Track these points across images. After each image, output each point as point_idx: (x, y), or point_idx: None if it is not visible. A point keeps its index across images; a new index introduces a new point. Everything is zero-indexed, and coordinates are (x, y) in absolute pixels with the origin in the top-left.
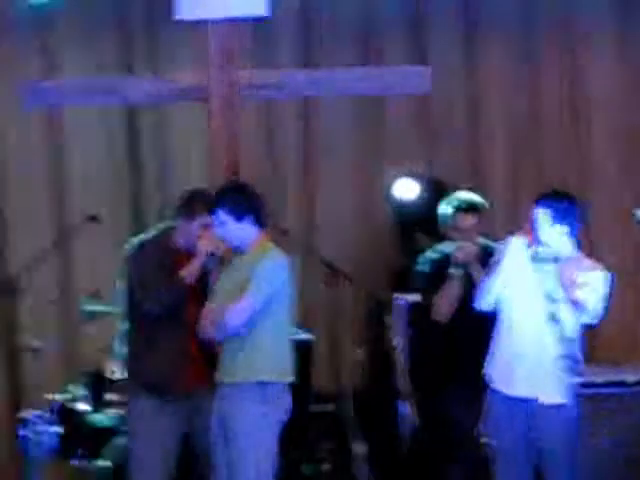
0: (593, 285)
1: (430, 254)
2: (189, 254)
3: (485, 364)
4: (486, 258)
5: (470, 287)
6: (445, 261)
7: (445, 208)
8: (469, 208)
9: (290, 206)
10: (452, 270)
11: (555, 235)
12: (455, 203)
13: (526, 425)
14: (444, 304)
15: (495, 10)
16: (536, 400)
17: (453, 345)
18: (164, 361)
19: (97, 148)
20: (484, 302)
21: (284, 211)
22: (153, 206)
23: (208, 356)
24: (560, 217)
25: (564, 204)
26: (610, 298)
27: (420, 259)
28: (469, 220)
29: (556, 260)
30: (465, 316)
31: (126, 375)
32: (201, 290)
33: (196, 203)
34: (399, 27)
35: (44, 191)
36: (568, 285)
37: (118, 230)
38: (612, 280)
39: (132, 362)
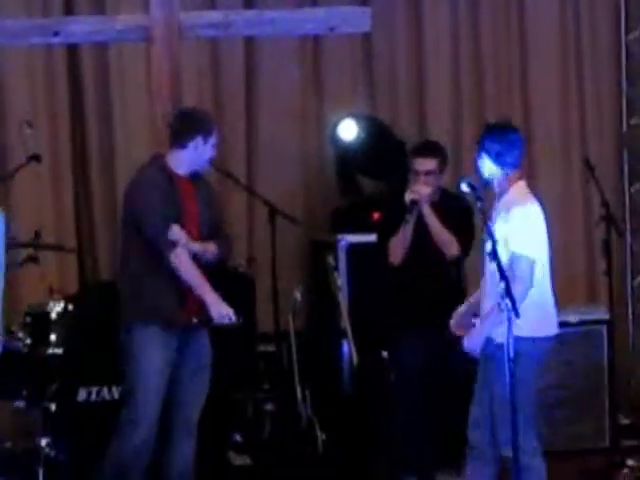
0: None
1: None
2: (191, 179)
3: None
4: (454, 205)
5: (423, 231)
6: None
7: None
8: (424, 150)
9: (233, 147)
10: (406, 214)
11: (493, 170)
12: (411, 147)
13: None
14: (396, 247)
15: None
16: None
17: (401, 288)
18: (169, 289)
19: (38, 88)
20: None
21: (228, 152)
22: (95, 145)
23: None
24: (502, 151)
25: (503, 133)
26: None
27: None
28: (424, 164)
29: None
30: (416, 260)
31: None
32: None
33: (206, 122)
34: None
35: None
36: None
37: (59, 169)
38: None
39: (133, 285)
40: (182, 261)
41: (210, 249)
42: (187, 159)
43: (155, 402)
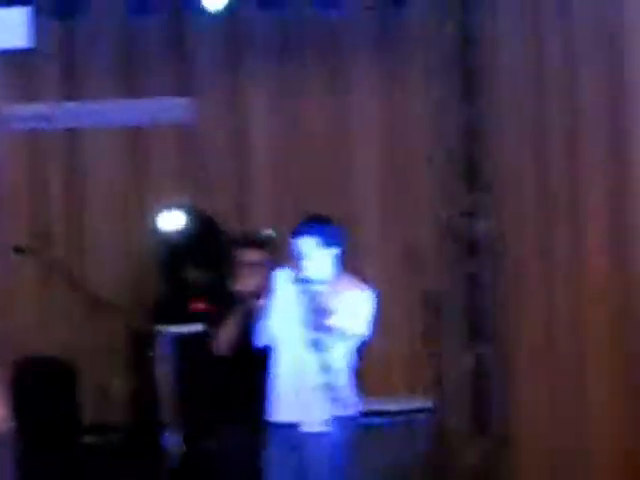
0: (352, 308)
1: None
2: None
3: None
4: None
5: (250, 322)
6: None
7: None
8: (248, 244)
9: (57, 236)
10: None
11: (321, 259)
12: (236, 238)
13: (295, 449)
14: (222, 337)
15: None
16: (302, 426)
17: (228, 379)
18: None
19: None
20: (259, 339)
21: (51, 240)
22: None
23: None
24: (324, 240)
25: (326, 228)
26: (375, 317)
27: None
28: (250, 255)
29: (315, 284)
30: (244, 351)
31: None
32: None
33: None
34: (163, 60)
35: None
36: (325, 312)
37: None
38: (377, 298)
39: None
40: None
41: None
42: None
43: None
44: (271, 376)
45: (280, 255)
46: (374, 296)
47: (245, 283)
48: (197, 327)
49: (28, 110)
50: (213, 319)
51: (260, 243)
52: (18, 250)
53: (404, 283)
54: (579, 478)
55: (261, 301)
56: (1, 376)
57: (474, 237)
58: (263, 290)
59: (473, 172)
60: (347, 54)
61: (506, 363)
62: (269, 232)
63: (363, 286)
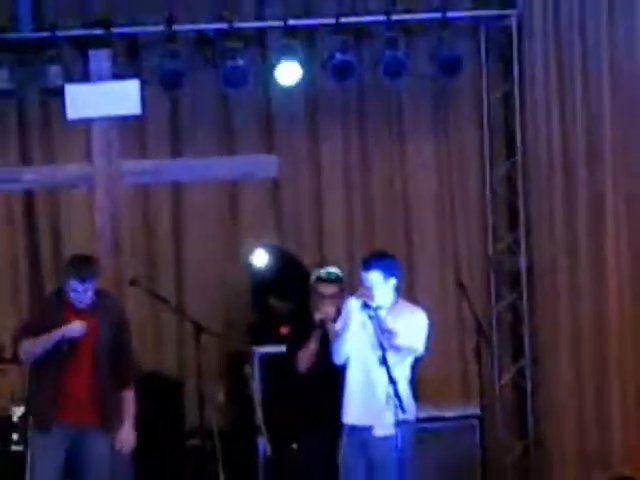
0: (413, 329)
1: None
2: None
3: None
4: None
5: (327, 344)
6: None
7: (312, 279)
8: (327, 279)
9: (165, 273)
10: (314, 330)
11: (385, 290)
12: (316, 275)
13: (366, 449)
14: (304, 357)
15: (333, 103)
16: (372, 429)
17: (309, 392)
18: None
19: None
20: (337, 357)
21: (160, 275)
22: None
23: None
24: (386, 274)
25: (387, 262)
26: (430, 337)
27: None
28: (328, 289)
29: (380, 311)
30: (321, 368)
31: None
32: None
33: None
34: (252, 123)
35: None
36: (390, 333)
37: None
38: (430, 321)
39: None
40: (20, 346)
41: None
42: None
43: None
44: (345, 388)
45: (351, 286)
46: (428, 319)
47: (324, 311)
48: (283, 348)
49: (140, 166)
50: (295, 342)
51: (334, 279)
52: (133, 283)
53: (457, 310)
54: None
55: (337, 326)
56: (129, 398)
57: (515, 270)
58: (337, 317)
59: (514, 216)
60: (408, 113)
61: (541, 377)
62: (339, 270)
63: (419, 310)
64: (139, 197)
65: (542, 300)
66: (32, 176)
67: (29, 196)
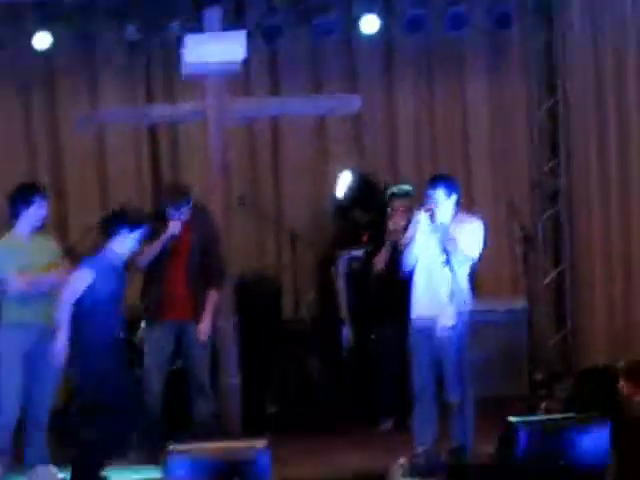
0: (471, 237)
1: None
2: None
3: (409, 303)
4: None
5: (398, 251)
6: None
7: (387, 195)
8: (399, 195)
9: (267, 192)
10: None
11: (447, 204)
12: (391, 191)
13: (432, 338)
14: (379, 261)
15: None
16: (437, 321)
17: (384, 291)
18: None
19: (126, 157)
20: (407, 261)
21: (263, 194)
22: None
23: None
24: (448, 192)
25: (449, 182)
26: (485, 244)
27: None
28: (400, 203)
29: (445, 222)
30: (393, 271)
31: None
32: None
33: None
34: (337, 66)
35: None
36: (452, 240)
37: None
38: (485, 229)
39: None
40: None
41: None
42: None
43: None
44: (413, 287)
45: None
46: (483, 228)
47: (396, 223)
48: (363, 252)
49: (245, 104)
50: (373, 248)
51: (405, 195)
52: (240, 201)
53: (508, 222)
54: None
55: (407, 234)
56: (212, 297)
57: (556, 190)
58: (407, 228)
59: (555, 144)
60: (467, 60)
61: (577, 278)
62: (409, 188)
63: (476, 221)
64: (244, 130)
65: (578, 214)
66: (156, 113)
67: (153, 130)
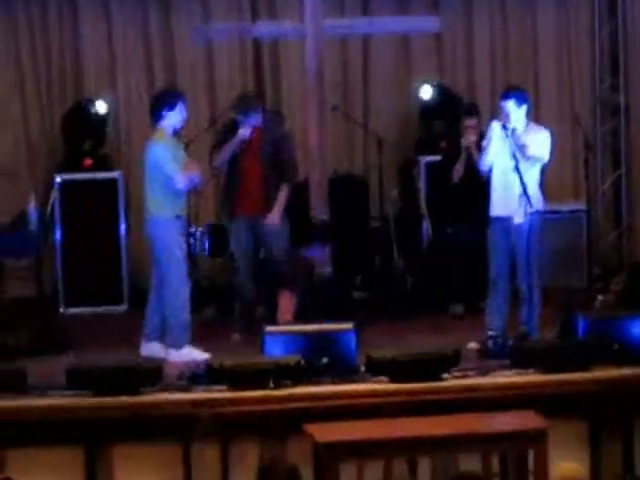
0: (540, 144)
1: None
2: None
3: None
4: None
5: (471, 161)
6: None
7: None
8: (469, 111)
9: (356, 101)
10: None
11: (518, 114)
12: (463, 109)
13: (508, 233)
14: (457, 169)
15: None
16: (512, 218)
17: (460, 192)
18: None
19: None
20: (483, 165)
21: (353, 103)
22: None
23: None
24: (519, 102)
25: (520, 94)
26: (552, 151)
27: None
28: (470, 120)
29: (516, 131)
30: (467, 177)
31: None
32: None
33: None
34: None
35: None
36: (523, 146)
37: None
38: (552, 139)
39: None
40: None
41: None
42: None
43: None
44: (490, 189)
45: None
46: (551, 136)
47: (467, 138)
48: (441, 158)
49: (338, 23)
50: (450, 156)
51: (474, 112)
52: (334, 108)
53: (572, 132)
54: None
55: (483, 143)
56: (284, 190)
57: (616, 104)
58: (478, 141)
59: (616, 63)
60: None
61: (633, 184)
62: (477, 105)
63: (544, 130)
64: (337, 45)
65: (634, 127)
66: (260, 29)
67: (257, 45)
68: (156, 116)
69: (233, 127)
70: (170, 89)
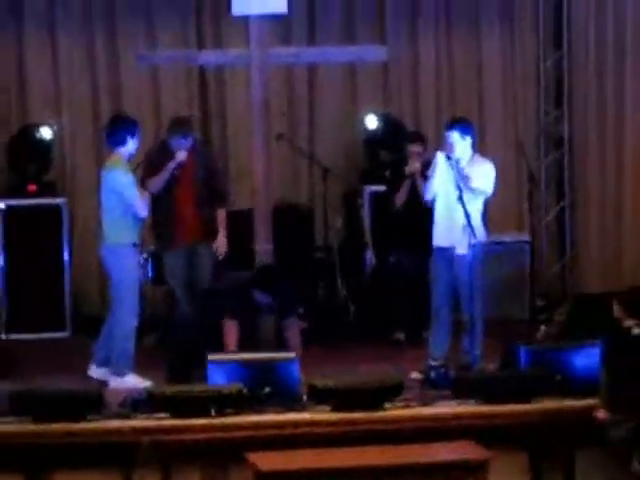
0: (484, 176)
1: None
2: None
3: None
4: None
5: (415, 188)
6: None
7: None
8: (414, 138)
9: (302, 130)
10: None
11: (463, 145)
12: (407, 136)
13: (450, 264)
14: (400, 194)
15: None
16: (455, 249)
17: (403, 222)
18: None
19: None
20: (428, 195)
21: (296, 137)
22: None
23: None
24: (463, 134)
25: (464, 125)
26: (496, 183)
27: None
28: (415, 146)
29: (460, 162)
30: (411, 204)
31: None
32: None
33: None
34: (368, 19)
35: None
36: (467, 178)
37: None
38: (496, 169)
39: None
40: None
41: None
42: None
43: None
44: (433, 219)
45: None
46: (494, 168)
47: (412, 166)
48: (385, 188)
49: (284, 51)
50: (394, 185)
51: (420, 138)
52: (279, 137)
53: (516, 163)
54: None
55: (428, 172)
56: (221, 215)
57: (559, 136)
58: (422, 170)
59: (560, 94)
60: (482, 14)
61: (576, 216)
62: (422, 133)
63: (488, 162)
64: (283, 74)
65: (578, 158)
66: (206, 57)
67: (203, 72)
68: (117, 141)
69: (165, 151)
70: (127, 117)
